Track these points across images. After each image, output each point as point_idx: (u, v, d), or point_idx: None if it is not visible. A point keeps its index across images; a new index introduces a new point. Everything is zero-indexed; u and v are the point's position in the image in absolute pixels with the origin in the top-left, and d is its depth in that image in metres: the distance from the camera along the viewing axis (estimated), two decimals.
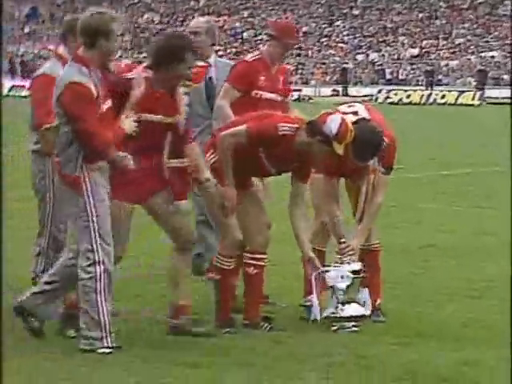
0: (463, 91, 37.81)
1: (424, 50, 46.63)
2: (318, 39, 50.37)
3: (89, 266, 4.14)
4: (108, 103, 4.26)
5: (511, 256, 5.01)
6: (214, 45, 5.78)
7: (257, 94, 5.23)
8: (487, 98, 37.21)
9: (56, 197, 4.61)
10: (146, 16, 58.04)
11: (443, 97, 37.51)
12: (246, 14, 55.04)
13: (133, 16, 58.78)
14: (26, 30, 59.79)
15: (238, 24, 54.38)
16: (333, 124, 4.51)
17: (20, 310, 4.32)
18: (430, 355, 4.22)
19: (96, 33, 4.17)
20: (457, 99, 36.24)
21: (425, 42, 47.17)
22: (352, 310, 4.69)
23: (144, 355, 4.12)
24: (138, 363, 4.02)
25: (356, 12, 52.48)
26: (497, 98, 36.96)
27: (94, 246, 4.14)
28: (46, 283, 4.33)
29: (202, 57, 5.52)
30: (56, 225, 4.67)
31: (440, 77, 42.77)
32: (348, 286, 4.69)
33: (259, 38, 51.70)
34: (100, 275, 4.13)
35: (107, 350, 4.14)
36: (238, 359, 4.08)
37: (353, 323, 4.66)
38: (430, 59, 44.27)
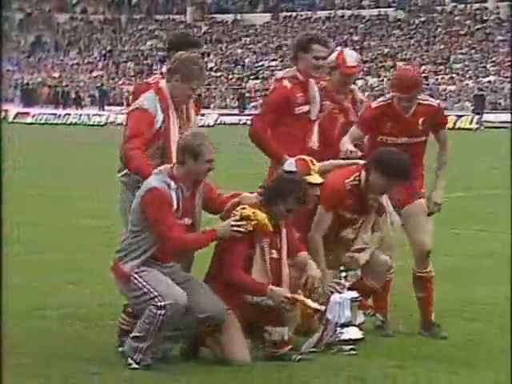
0: (461, 115, 38.06)
1: (422, 75, 46.97)
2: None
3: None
4: (188, 221, 4.43)
5: (511, 279, 5.12)
6: None
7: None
8: (485, 122, 37.47)
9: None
10: (149, 43, 58.57)
11: None
12: (247, 40, 55.51)
13: (136, 43, 59.34)
14: (32, 58, 60.26)
15: (239, 51, 54.85)
16: None
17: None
18: (427, 378, 4.32)
19: (184, 151, 4.38)
20: (455, 123, 36.44)
21: (423, 67, 47.56)
22: (350, 333, 4.81)
23: None
24: None
25: (356, 38, 52.96)
26: (494, 122, 37.22)
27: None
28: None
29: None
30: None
31: (438, 101, 43.03)
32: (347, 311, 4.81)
33: (260, 63, 52.13)
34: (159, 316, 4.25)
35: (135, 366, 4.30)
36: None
37: (351, 346, 4.78)
38: (428, 84, 44.59)
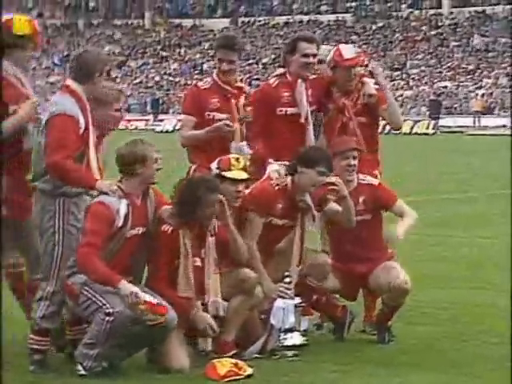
0: (418, 121, 38.50)
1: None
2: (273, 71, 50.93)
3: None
4: (141, 230, 4.43)
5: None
6: None
7: None
8: (441, 126, 37.97)
9: (66, 238, 4.40)
10: (107, 48, 58.20)
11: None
12: (206, 45, 55.48)
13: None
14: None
15: (198, 55, 54.78)
16: None
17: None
18: (368, 381, 4.34)
19: (130, 161, 4.41)
20: (412, 128, 36.87)
21: None
22: (294, 339, 4.81)
23: None
24: None
25: None
26: (450, 126, 37.77)
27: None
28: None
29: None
30: (65, 268, 4.40)
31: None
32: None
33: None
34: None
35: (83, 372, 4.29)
36: None
37: (294, 352, 4.77)
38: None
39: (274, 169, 4.96)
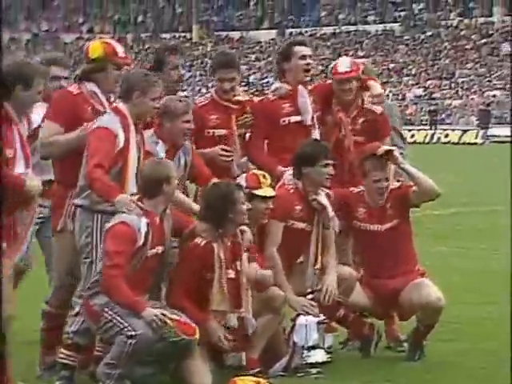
0: (466, 130, 37.98)
1: (428, 90, 46.95)
2: (324, 81, 50.83)
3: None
4: (160, 249, 4.39)
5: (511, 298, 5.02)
6: None
7: None
8: (490, 136, 37.36)
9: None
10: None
11: (447, 136, 37.70)
12: (253, 57, 55.73)
13: (142, 62, 59.63)
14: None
15: (244, 67, 55.09)
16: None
17: None
18: None
19: (156, 181, 4.40)
20: (460, 138, 36.40)
21: (429, 82, 47.56)
22: (317, 356, 4.73)
23: None
24: None
25: (361, 53, 53.08)
26: (499, 136, 37.10)
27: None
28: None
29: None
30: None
31: (443, 116, 43.02)
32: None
33: (265, 80, 52.26)
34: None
35: None
36: None
37: (318, 369, 4.70)
38: (434, 99, 44.56)
39: (289, 173, 4.96)
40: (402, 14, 55.54)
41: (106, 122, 4.48)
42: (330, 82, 5.42)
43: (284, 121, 5.17)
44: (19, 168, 4.03)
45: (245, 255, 4.58)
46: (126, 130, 4.48)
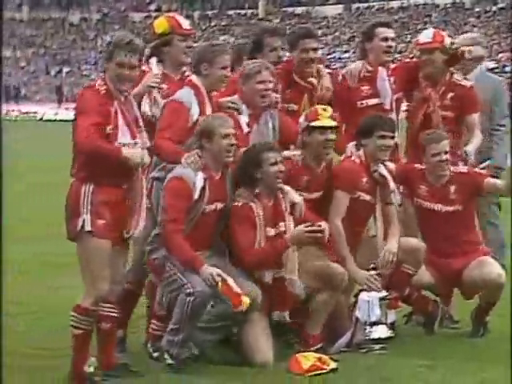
0: None
1: (500, 63, 45.80)
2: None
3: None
4: (220, 205, 4.46)
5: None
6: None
7: None
8: None
9: None
10: (221, 38, 59.07)
11: None
12: (319, 32, 55.18)
13: (208, 39, 59.81)
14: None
15: None
16: None
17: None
18: (451, 377, 4.28)
19: (200, 134, 4.45)
20: None
21: (500, 55, 46.32)
22: (380, 332, 4.79)
23: None
24: None
25: (431, 27, 52.01)
26: None
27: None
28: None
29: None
30: None
31: None
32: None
33: (332, 55, 51.83)
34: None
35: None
36: None
37: (381, 345, 4.75)
38: (506, 72, 43.38)
39: (353, 145, 4.98)
40: None
41: (181, 96, 4.58)
42: (411, 60, 5.41)
43: (362, 103, 5.17)
44: (122, 139, 4.15)
45: (289, 216, 4.59)
46: (200, 103, 4.58)
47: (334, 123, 4.80)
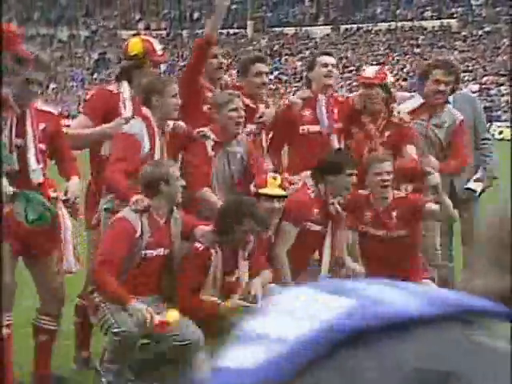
0: None
1: (484, 86, 46.17)
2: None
3: None
4: (164, 251, 4.35)
5: None
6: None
7: None
8: None
9: None
10: None
11: (501, 133, 37.10)
12: (307, 53, 55.51)
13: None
14: (95, 75, 61.67)
15: (299, 64, 55.04)
16: None
17: None
18: None
19: (154, 181, 4.31)
20: None
21: (485, 79, 46.74)
22: None
23: None
24: None
25: (417, 50, 52.47)
26: None
27: None
28: None
29: None
30: None
31: (499, 113, 42.25)
32: None
33: None
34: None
35: None
36: None
37: None
38: (490, 95, 43.77)
39: (308, 177, 4.93)
40: (460, 9, 54.64)
41: (133, 129, 4.50)
42: (354, 95, 5.46)
43: (303, 129, 5.20)
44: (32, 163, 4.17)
45: (243, 263, 4.47)
46: (151, 136, 4.50)
47: (283, 193, 4.72)
